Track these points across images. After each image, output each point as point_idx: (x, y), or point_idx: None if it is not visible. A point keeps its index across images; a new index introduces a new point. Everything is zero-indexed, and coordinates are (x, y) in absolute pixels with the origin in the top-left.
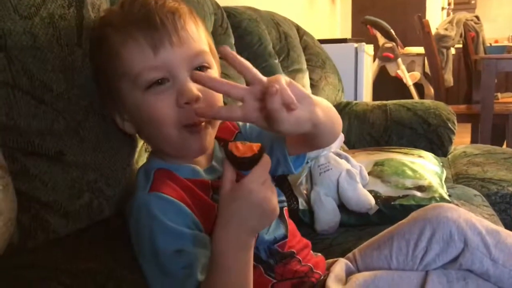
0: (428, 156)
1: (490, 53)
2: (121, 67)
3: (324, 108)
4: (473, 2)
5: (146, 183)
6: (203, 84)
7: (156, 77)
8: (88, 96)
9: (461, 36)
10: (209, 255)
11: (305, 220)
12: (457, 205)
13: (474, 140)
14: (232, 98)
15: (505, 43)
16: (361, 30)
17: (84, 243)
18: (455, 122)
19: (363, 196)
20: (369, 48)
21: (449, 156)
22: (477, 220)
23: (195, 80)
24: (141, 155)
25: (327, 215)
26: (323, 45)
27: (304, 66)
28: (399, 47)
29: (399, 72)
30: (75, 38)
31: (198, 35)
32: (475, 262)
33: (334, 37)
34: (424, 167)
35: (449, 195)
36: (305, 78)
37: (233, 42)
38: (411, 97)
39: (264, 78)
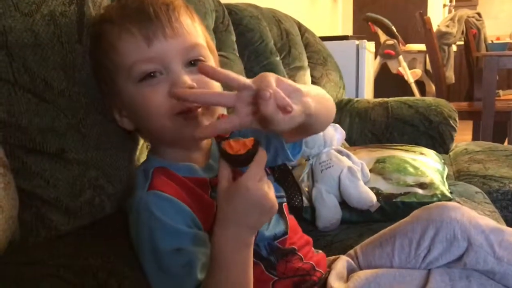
0: (430, 153)
1: (492, 50)
2: (117, 61)
3: (315, 96)
4: None
5: (145, 181)
6: (191, 99)
7: (149, 69)
8: (89, 93)
9: (462, 33)
10: (209, 254)
11: (306, 217)
12: (458, 202)
13: (475, 137)
14: (225, 107)
15: (507, 40)
16: (363, 27)
17: (85, 240)
18: (457, 119)
19: (365, 193)
20: (370, 45)
21: (451, 153)
22: (481, 218)
23: (176, 97)
24: (142, 152)
25: (329, 212)
26: (325, 42)
27: (306, 63)
28: (400, 44)
29: (400, 69)
30: (76, 35)
31: (193, 29)
32: (479, 261)
33: (335, 34)
34: (426, 164)
35: (451, 192)
36: (307, 76)
37: (234, 39)
38: (412, 94)
39: (249, 82)
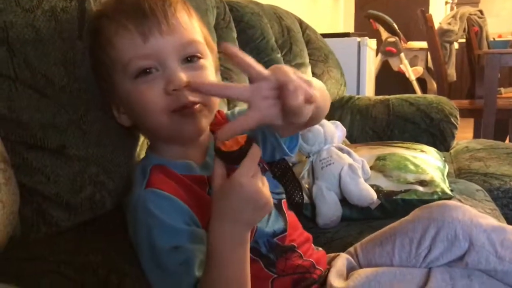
0: (431, 151)
1: (494, 48)
2: (114, 57)
3: (319, 89)
4: None
5: (142, 179)
6: (201, 91)
7: (144, 65)
8: (90, 90)
9: (464, 30)
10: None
11: (306, 214)
12: (459, 200)
13: (476, 135)
14: (237, 101)
15: (509, 37)
16: (364, 24)
17: (86, 237)
18: (458, 117)
19: (365, 191)
20: (372, 43)
21: (452, 151)
22: (482, 217)
23: (192, 89)
24: (143, 148)
25: (329, 209)
26: (326, 39)
27: (307, 60)
28: (402, 41)
29: (401, 66)
30: (76, 31)
31: (190, 25)
32: (481, 260)
33: (337, 31)
34: (427, 161)
35: (451, 190)
36: (308, 73)
37: (235, 36)
38: (413, 91)
39: (268, 73)
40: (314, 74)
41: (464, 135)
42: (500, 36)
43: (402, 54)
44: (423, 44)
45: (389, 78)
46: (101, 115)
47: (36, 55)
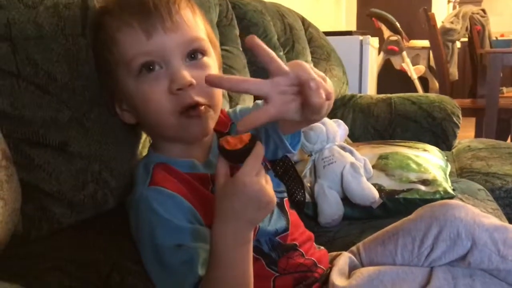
0: (433, 150)
1: (496, 47)
2: (117, 54)
3: (330, 85)
4: None
5: (145, 177)
6: (218, 86)
7: (147, 61)
8: (92, 87)
9: (467, 29)
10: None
11: (308, 213)
12: (461, 199)
13: (478, 134)
14: (255, 95)
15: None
16: (367, 23)
17: (88, 234)
18: (460, 116)
19: (367, 189)
20: (374, 41)
21: (454, 150)
22: (485, 217)
23: (209, 83)
24: (145, 146)
25: (331, 208)
26: (328, 38)
27: (309, 58)
28: (404, 40)
29: (404, 65)
30: (79, 28)
31: (194, 22)
32: (484, 260)
33: (339, 29)
34: (429, 160)
35: (453, 189)
36: None
37: (238, 33)
38: (415, 90)
39: (288, 69)
40: None
41: (465, 134)
42: (502, 35)
43: (404, 53)
44: (425, 43)
45: (391, 77)
46: (104, 112)
47: (39, 52)
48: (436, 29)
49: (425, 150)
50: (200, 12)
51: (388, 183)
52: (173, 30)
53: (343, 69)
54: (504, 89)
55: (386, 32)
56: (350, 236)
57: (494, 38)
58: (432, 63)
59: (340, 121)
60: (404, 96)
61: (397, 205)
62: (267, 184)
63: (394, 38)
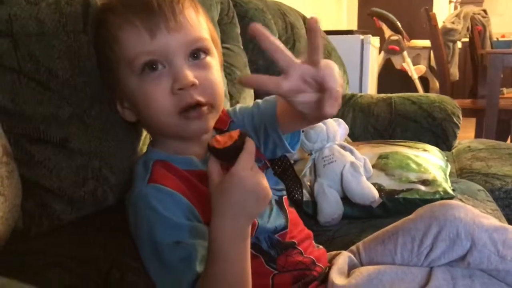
0: (433, 150)
1: (497, 48)
2: (119, 52)
3: None
4: None
5: (144, 174)
6: (259, 37)
7: (149, 59)
8: (93, 83)
9: (468, 30)
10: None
11: (308, 212)
12: (460, 200)
13: (478, 135)
14: (279, 66)
15: None
16: (368, 22)
17: (88, 231)
18: (460, 116)
19: (367, 189)
20: (375, 40)
21: (453, 151)
22: (484, 217)
23: (252, 31)
24: (145, 143)
25: (330, 207)
26: (329, 37)
27: None
28: (405, 40)
29: (404, 65)
30: (81, 25)
31: (197, 22)
32: (483, 260)
33: (340, 28)
34: (429, 161)
35: (453, 190)
36: None
37: (239, 31)
38: (416, 90)
39: (321, 65)
40: None
41: (465, 134)
42: (503, 36)
43: (405, 53)
44: (426, 43)
45: (391, 76)
46: (104, 109)
47: (40, 48)
48: (437, 29)
49: (425, 150)
50: (203, 11)
51: (388, 183)
52: (177, 30)
53: (343, 68)
54: (505, 90)
55: (387, 32)
56: (350, 235)
57: (495, 39)
58: (433, 63)
59: (340, 120)
60: (404, 96)
61: (396, 205)
62: (262, 178)
63: (395, 37)
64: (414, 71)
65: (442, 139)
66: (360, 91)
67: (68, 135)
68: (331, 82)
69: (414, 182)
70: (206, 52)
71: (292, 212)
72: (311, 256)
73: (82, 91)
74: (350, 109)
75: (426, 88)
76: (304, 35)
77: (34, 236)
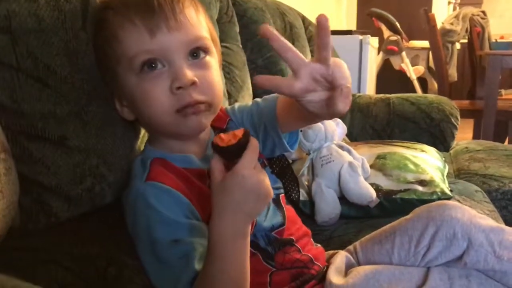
0: (431, 151)
1: (496, 49)
2: (119, 50)
3: None
4: None
5: (142, 172)
6: (269, 38)
7: (149, 58)
8: (92, 81)
9: (466, 31)
10: (206, 245)
11: (305, 211)
12: (458, 200)
13: (476, 136)
14: (290, 66)
15: (511, 39)
16: (367, 22)
17: (85, 228)
18: (458, 117)
19: (364, 189)
20: (374, 41)
21: (451, 151)
22: (481, 218)
23: (261, 32)
24: (144, 141)
25: (328, 206)
26: None
27: (309, 57)
28: (404, 40)
29: (403, 65)
30: (80, 22)
31: (197, 21)
32: (479, 260)
33: (339, 28)
34: (426, 161)
35: (451, 190)
36: None
37: (238, 30)
38: (414, 91)
39: (331, 63)
40: None
41: (463, 135)
42: (502, 37)
43: (403, 53)
44: (425, 44)
45: (390, 77)
46: (103, 106)
47: (39, 45)
48: (436, 30)
49: (423, 151)
50: (203, 10)
51: (386, 183)
52: (177, 29)
53: None
54: (503, 91)
55: (386, 32)
56: (347, 235)
57: (494, 40)
58: (432, 64)
59: (339, 120)
60: (402, 97)
61: (394, 205)
62: (264, 177)
63: (394, 38)
64: (413, 72)
65: (440, 140)
66: (359, 91)
67: (66, 133)
68: (342, 79)
69: (411, 183)
70: (206, 51)
71: (289, 209)
72: (309, 254)
73: (81, 88)
74: (348, 109)
75: (425, 89)
76: (303, 34)
77: (31, 233)
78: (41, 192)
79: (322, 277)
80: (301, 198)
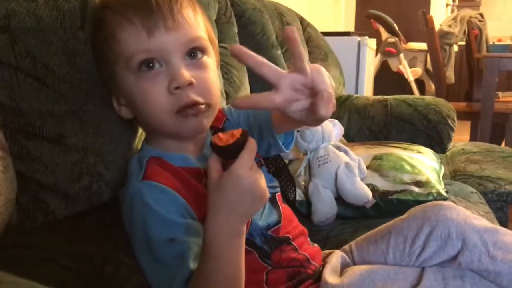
0: (427, 152)
1: (493, 52)
2: (116, 49)
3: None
4: None
5: (139, 171)
6: (241, 59)
7: (146, 57)
8: (90, 80)
9: (464, 33)
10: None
11: (302, 211)
12: (454, 201)
13: (473, 138)
14: (268, 82)
15: (508, 42)
16: (365, 24)
17: (83, 226)
18: (455, 119)
19: (361, 189)
20: (372, 42)
21: (448, 153)
22: (476, 218)
23: (233, 52)
24: (141, 140)
25: (324, 207)
26: (326, 38)
27: (306, 58)
28: (401, 42)
29: (400, 67)
30: (79, 21)
31: (195, 21)
32: (474, 260)
33: (337, 30)
34: (423, 162)
35: (446, 192)
36: None
37: (236, 31)
38: (412, 92)
39: (308, 71)
40: None
41: (460, 137)
42: (499, 40)
43: (401, 55)
44: (423, 46)
45: (387, 79)
46: (101, 105)
47: (38, 44)
48: (434, 32)
49: (419, 152)
50: (201, 10)
51: (382, 184)
52: (175, 29)
53: (340, 69)
54: (500, 94)
55: (384, 34)
56: (343, 235)
57: (491, 43)
58: (429, 66)
59: (336, 121)
60: (400, 98)
61: (390, 205)
62: (261, 178)
63: (392, 40)
64: (410, 74)
65: (437, 141)
66: (356, 92)
67: (64, 131)
68: (322, 85)
69: (407, 184)
70: (203, 51)
71: (286, 208)
72: (305, 253)
73: (79, 87)
74: (346, 110)
75: (422, 91)
76: (301, 35)
77: (28, 231)
78: (38, 190)
79: (318, 277)
80: (298, 198)
